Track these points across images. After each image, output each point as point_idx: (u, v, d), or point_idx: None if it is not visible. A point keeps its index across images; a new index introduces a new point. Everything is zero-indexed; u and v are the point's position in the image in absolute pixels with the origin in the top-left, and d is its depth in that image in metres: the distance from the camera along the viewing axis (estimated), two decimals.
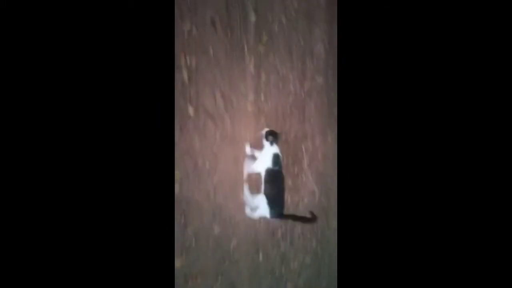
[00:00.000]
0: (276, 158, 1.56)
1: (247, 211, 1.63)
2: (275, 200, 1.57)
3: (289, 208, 1.77)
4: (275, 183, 1.57)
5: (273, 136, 1.57)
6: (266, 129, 1.59)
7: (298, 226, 2.06)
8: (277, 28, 1.82)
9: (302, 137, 2.07)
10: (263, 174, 1.57)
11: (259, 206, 1.58)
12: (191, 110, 1.39)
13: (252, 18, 1.63)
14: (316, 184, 2.10)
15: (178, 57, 1.33)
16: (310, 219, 1.68)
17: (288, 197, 1.84)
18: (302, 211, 1.93)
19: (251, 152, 1.63)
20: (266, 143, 1.56)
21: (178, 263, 1.32)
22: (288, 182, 1.85)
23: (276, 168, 1.56)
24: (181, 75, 1.34)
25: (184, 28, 1.35)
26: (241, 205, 1.64)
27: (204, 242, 1.45)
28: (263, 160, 1.57)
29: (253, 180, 1.64)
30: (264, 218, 1.63)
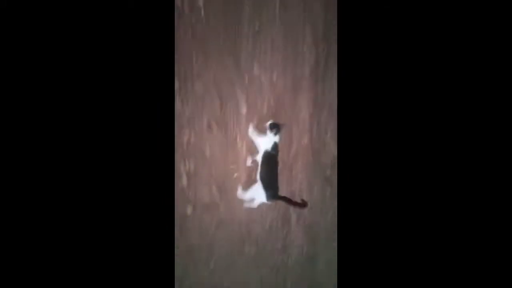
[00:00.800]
0: (275, 145, 1.71)
1: (246, 205, 1.77)
2: (270, 183, 1.71)
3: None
4: (270, 166, 1.72)
5: (277, 128, 1.70)
6: (271, 121, 1.72)
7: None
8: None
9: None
10: (261, 157, 1.71)
11: (255, 197, 1.73)
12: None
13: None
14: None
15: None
16: (301, 204, 1.83)
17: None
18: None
19: (252, 135, 1.75)
20: (270, 133, 1.69)
21: None
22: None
23: (273, 153, 1.71)
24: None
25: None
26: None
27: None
28: (264, 144, 1.71)
29: (245, 179, 1.77)
30: (261, 204, 1.76)
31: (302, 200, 1.87)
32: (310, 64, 1.90)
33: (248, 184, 1.77)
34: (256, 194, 1.73)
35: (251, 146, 1.78)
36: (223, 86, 1.67)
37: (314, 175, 2.12)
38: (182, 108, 1.57)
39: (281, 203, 1.90)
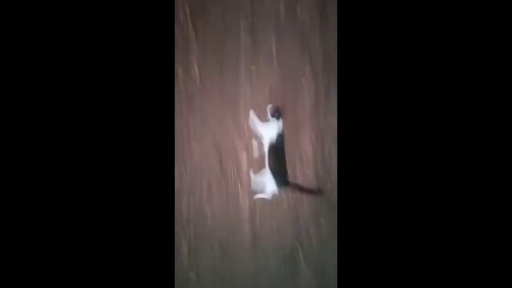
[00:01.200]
0: (280, 131, 1.64)
1: (258, 196, 1.68)
2: (280, 170, 1.65)
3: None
4: (278, 153, 1.65)
5: (278, 113, 1.63)
6: (270, 105, 1.64)
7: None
8: None
9: None
10: (267, 144, 1.63)
11: (266, 183, 1.65)
12: None
13: None
14: None
15: None
16: (315, 191, 1.73)
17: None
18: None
19: (254, 123, 1.67)
20: (272, 119, 1.62)
21: None
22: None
23: (279, 139, 1.63)
24: None
25: None
26: None
27: None
28: (268, 132, 1.64)
29: (255, 162, 1.70)
30: (274, 194, 1.68)
31: (318, 188, 1.75)
32: (311, 102, 1.80)
33: (258, 171, 1.69)
34: (267, 181, 1.64)
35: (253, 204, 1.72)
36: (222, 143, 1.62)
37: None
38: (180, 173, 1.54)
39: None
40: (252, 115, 1.65)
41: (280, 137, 1.64)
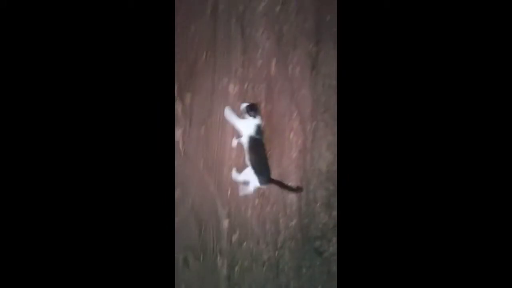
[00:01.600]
0: (258, 128, 1.61)
1: (241, 192, 1.68)
2: (261, 168, 1.63)
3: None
4: (258, 151, 1.63)
5: (254, 110, 1.61)
6: (245, 104, 1.61)
7: None
8: None
9: None
10: (246, 143, 1.62)
11: (249, 180, 1.64)
12: None
13: None
14: None
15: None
16: (296, 189, 1.72)
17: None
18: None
19: (231, 118, 1.66)
20: (248, 117, 1.60)
21: None
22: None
23: (258, 136, 1.61)
24: None
25: None
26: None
27: None
28: (246, 128, 1.62)
29: (239, 162, 1.69)
30: (257, 189, 1.66)
31: (297, 186, 1.73)
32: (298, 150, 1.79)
33: (241, 168, 1.67)
34: (250, 177, 1.62)
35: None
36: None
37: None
38: None
39: None
40: (228, 110, 1.65)
41: (258, 134, 1.61)
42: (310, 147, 1.74)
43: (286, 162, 1.70)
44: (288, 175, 1.69)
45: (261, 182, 1.61)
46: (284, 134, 1.73)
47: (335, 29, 1.55)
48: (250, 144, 1.61)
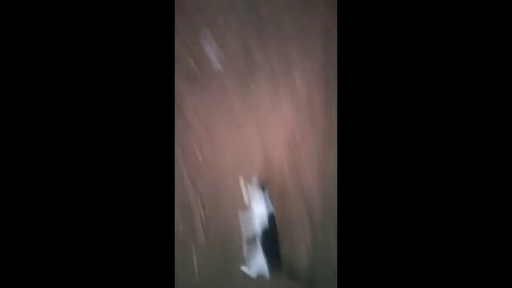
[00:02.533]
0: (269, 206, 1.48)
1: (245, 270, 1.49)
2: (271, 251, 1.47)
3: None
4: (270, 234, 1.48)
5: (265, 185, 1.48)
6: (256, 178, 1.48)
7: None
8: None
9: None
10: (259, 229, 1.47)
11: (256, 261, 1.48)
12: None
13: None
14: None
15: None
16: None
17: None
18: None
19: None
20: (259, 192, 1.48)
21: None
22: None
23: (270, 215, 1.47)
24: None
25: None
26: None
27: None
28: (259, 213, 1.48)
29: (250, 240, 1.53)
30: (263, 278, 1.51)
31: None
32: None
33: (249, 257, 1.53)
34: (257, 258, 1.48)
35: None
36: None
37: None
38: None
39: None
40: (242, 182, 1.47)
41: (270, 211, 1.48)
42: None
43: None
44: None
45: (269, 266, 1.47)
46: None
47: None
48: (264, 230, 1.47)
